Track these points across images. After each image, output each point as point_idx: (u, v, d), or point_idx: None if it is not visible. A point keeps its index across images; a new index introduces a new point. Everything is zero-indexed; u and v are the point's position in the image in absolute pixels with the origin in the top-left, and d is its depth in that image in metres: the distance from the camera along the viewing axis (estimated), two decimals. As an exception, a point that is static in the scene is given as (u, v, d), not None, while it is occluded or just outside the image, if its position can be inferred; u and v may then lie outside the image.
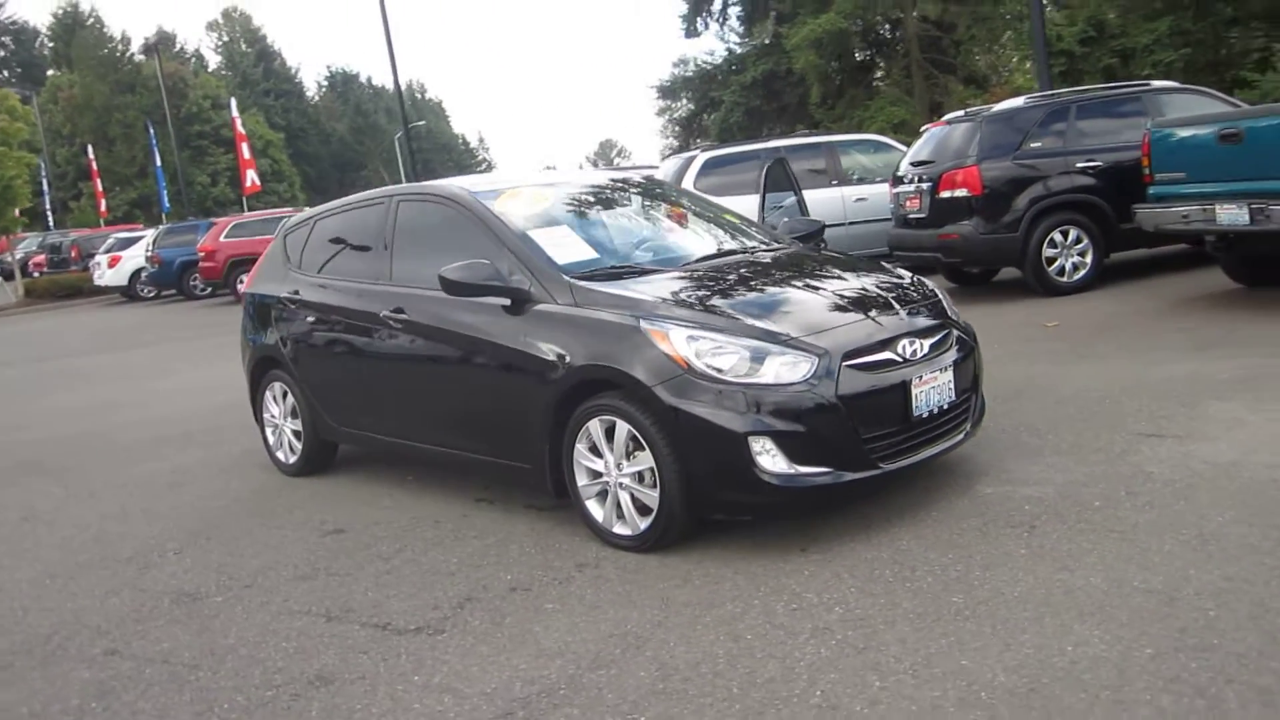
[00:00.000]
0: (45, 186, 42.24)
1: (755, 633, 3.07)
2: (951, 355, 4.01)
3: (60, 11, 55.34)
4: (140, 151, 47.68)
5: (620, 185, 5.35)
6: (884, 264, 4.82)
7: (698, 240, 4.71)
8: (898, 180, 10.06)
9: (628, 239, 4.65)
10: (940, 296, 4.35)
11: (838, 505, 3.92)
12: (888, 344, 3.80)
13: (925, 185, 9.39)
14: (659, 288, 4.00)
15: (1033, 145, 8.91)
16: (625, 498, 3.84)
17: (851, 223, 11.36)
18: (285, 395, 5.62)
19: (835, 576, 3.41)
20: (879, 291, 4.16)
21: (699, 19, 27.73)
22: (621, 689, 2.82)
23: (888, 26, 22.10)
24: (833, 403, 3.57)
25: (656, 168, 13.92)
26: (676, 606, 3.34)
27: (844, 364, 3.64)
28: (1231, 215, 6.74)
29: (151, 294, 24.20)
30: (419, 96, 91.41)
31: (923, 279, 4.52)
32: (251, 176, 30.72)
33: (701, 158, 11.70)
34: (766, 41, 25.39)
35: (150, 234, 24.12)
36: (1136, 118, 8.76)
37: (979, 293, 9.76)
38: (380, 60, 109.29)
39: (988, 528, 3.66)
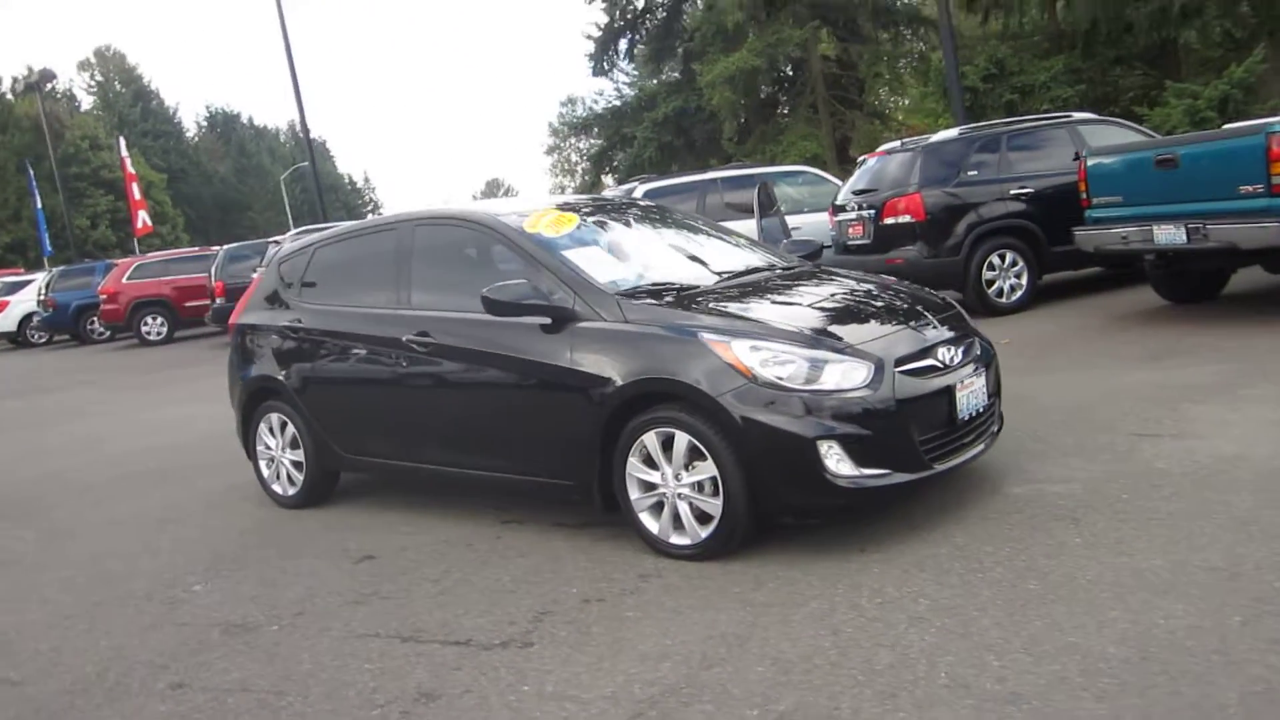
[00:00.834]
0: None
1: (852, 626, 3.18)
2: (982, 361, 4.23)
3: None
4: (13, 194, 45.41)
5: (629, 207, 5.47)
6: (896, 280, 5.05)
7: (723, 258, 4.85)
8: (838, 209, 10.44)
9: (656, 257, 4.75)
10: (959, 309, 4.59)
11: (889, 507, 4.08)
12: (929, 351, 4.00)
13: (868, 213, 9.79)
14: (711, 301, 4.12)
15: (970, 173, 9.41)
16: (684, 507, 3.91)
17: (789, 250, 11.69)
18: (284, 426, 5.50)
19: (905, 572, 3.55)
20: (908, 304, 4.36)
21: (605, 57, 28.22)
22: (745, 683, 2.89)
23: (790, 66, 22.90)
24: (891, 407, 3.73)
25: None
26: (760, 608, 3.42)
27: (896, 370, 3.81)
28: (1169, 235, 7.24)
29: (44, 339, 23.06)
30: (301, 137, 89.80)
31: (939, 294, 4.76)
32: (143, 218, 29.80)
33: (641, 189, 11.92)
34: (659, 80, 25.98)
35: (42, 277, 23.00)
36: (1062, 147, 9.36)
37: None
38: (262, 100, 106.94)
39: (1034, 521, 3.87)
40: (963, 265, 9.20)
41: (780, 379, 3.70)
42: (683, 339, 3.88)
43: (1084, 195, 8.06)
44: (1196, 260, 7.53)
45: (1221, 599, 3.01)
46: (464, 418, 4.66)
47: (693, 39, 24.59)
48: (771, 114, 24.51)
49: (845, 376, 3.73)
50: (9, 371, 18.44)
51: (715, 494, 3.81)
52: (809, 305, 4.24)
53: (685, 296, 4.20)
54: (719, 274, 4.61)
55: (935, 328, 4.17)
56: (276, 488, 5.63)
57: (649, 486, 4.01)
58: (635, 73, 35.57)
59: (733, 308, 4.09)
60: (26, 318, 22.90)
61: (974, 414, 4.07)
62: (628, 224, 5.11)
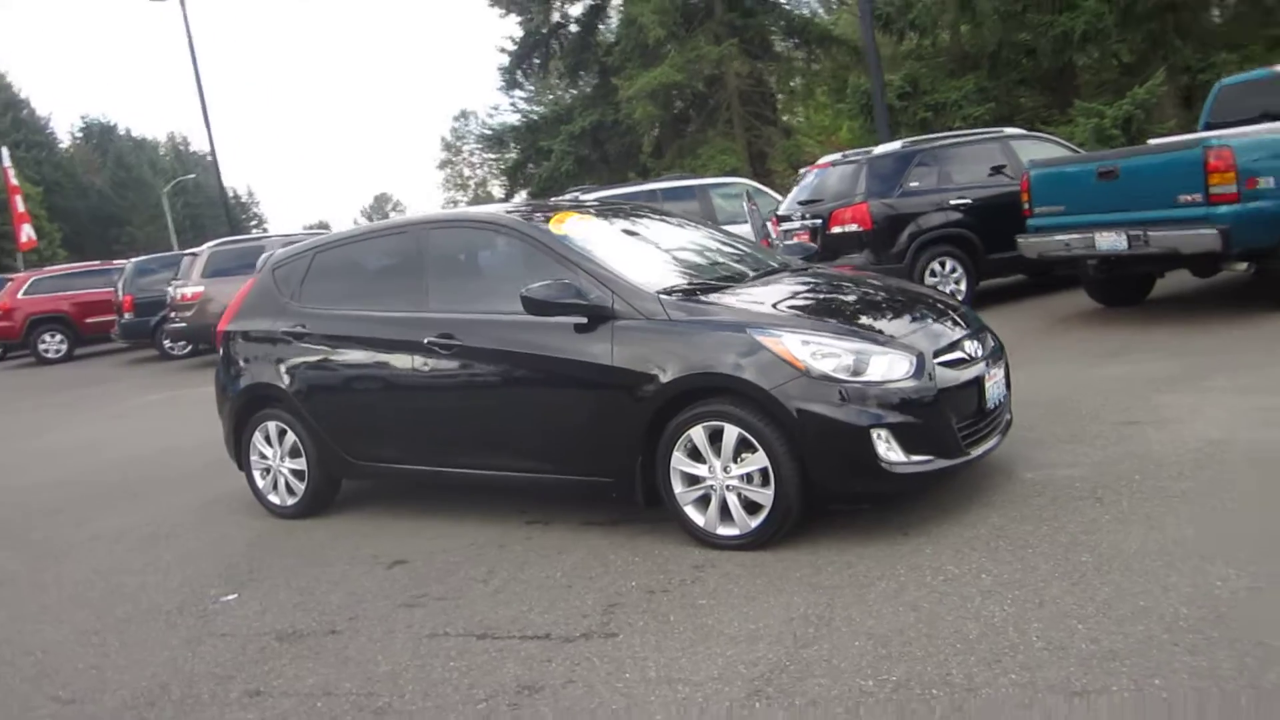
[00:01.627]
0: None
1: (929, 601, 3.33)
2: (997, 355, 4.48)
3: None
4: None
5: (637, 209, 5.57)
6: (908, 281, 5.28)
7: (738, 258, 4.99)
8: (782, 219, 10.74)
9: (677, 256, 4.86)
10: (970, 308, 4.83)
11: (925, 492, 4.27)
12: (957, 344, 4.21)
13: (814, 222, 10.11)
14: (747, 299, 4.25)
15: (912, 184, 9.82)
16: (733, 499, 4.02)
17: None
18: (283, 434, 5.38)
19: (957, 552, 3.73)
20: (929, 301, 4.58)
21: (519, 71, 28.24)
22: (850, 657, 3.01)
23: (702, 82, 23.40)
24: (934, 396, 3.93)
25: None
26: (830, 590, 3.55)
27: (935, 361, 4.01)
28: (1110, 242, 7.72)
29: (-77, 360, 21.65)
30: (182, 150, 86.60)
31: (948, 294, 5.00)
32: (28, 231, 28.45)
33: (584, 199, 11.99)
34: (573, 94, 26.13)
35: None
36: (998, 160, 9.88)
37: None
38: (140, 109, 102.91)
39: (1059, 503, 4.10)
40: (907, 271, 9.58)
41: (831, 371, 3.85)
42: (733, 334, 3.99)
43: (1026, 205, 8.51)
44: (1136, 265, 8.03)
45: (1273, 562, 3.26)
46: (493, 419, 4.66)
47: (610, 54, 24.87)
48: (685, 129, 24.94)
49: (891, 368, 3.91)
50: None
51: (765, 484, 3.93)
52: (842, 300, 4.41)
53: (725, 294, 4.32)
54: (741, 273, 4.75)
55: (956, 323, 4.39)
56: (273, 499, 5.50)
57: (693, 480, 4.10)
58: (532, 89, 35.78)
59: (777, 304, 4.23)
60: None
61: (997, 403, 4.30)
62: (643, 225, 5.20)
